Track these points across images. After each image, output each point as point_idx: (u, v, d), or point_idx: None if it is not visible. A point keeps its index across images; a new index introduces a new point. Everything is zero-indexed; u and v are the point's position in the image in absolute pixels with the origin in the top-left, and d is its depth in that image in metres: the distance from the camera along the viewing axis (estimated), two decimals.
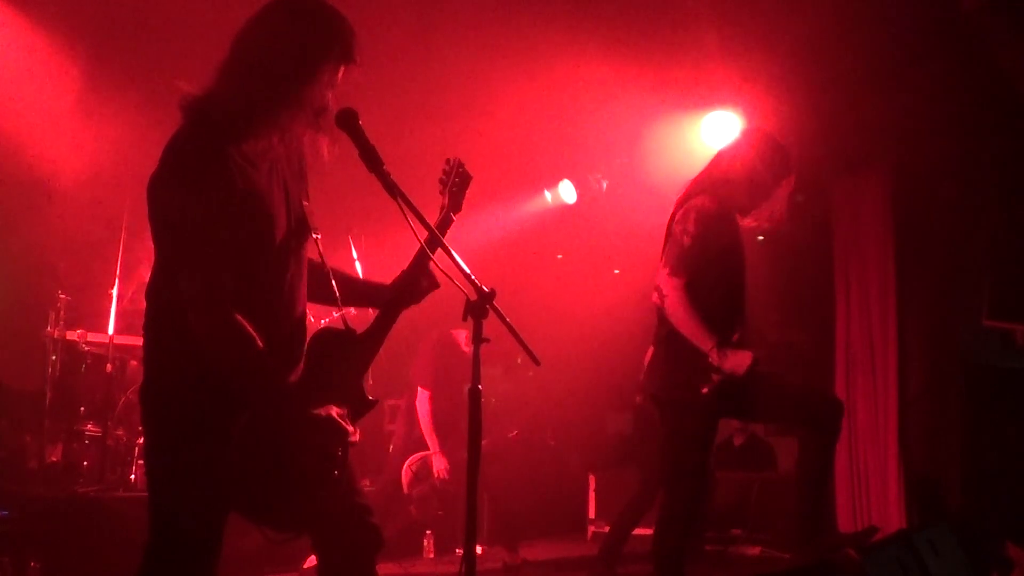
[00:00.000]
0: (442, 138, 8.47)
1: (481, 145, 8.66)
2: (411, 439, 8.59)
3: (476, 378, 3.34)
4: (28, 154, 8.14)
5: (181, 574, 3.33)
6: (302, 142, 3.48)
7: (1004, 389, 8.14)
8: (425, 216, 3.48)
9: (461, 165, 3.91)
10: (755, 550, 8.84)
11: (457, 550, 8.43)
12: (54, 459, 7.89)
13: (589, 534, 10.62)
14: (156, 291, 3.44)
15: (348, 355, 3.58)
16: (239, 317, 3.22)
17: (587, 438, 11.33)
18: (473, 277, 3.39)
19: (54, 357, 8.06)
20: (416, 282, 3.74)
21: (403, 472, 8.44)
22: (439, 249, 3.51)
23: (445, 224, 3.83)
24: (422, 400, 8.37)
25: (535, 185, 10.37)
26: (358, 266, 8.41)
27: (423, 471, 8.41)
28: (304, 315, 3.60)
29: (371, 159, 3.40)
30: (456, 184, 3.88)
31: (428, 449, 8.43)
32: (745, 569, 8.40)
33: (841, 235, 9.55)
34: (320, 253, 3.62)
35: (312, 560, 7.28)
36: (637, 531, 8.20)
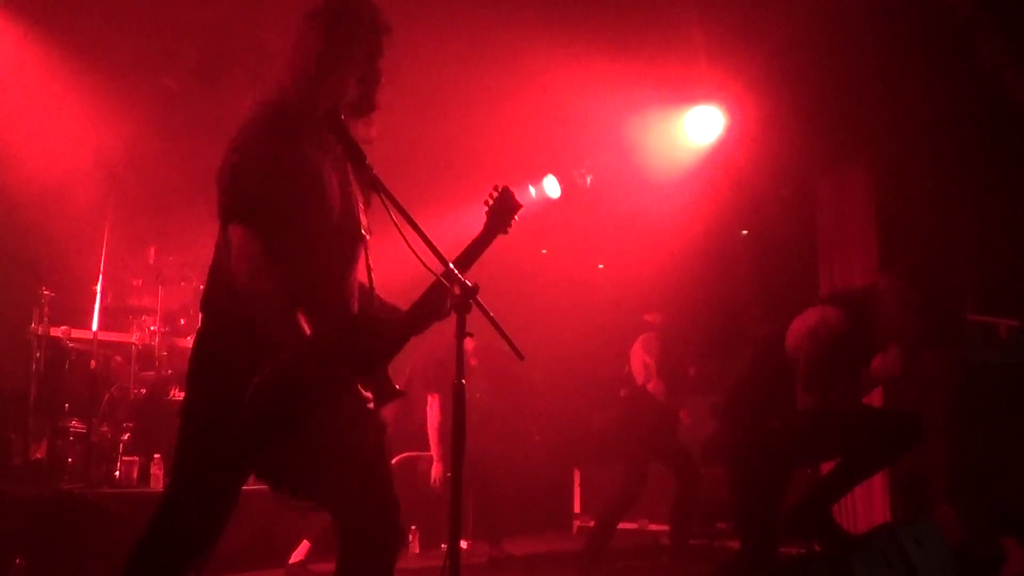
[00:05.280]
0: (426, 134, 8.48)
1: (465, 140, 8.68)
2: (400, 436, 8.54)
3: (460, 374, 3.35)
4: (7, 150, 8.11)
5: (191, 525, 3.45)
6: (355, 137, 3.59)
7: (988, 383, 8.16)
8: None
9: (506, 190, 4.00)
10: None
11: (442, 545, 8.43)
12: (39, 456, 7.86)
13: (574, 529, 10.65)
14: (218, 268, 3.53)
15: (377, 339, 3.64)
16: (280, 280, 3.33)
17: (572, 433, 11.34)
18: (456, 272, 3.41)
19: (38, 354, 8.04)
20: (438, 305, 3.75)
21: None
22: (425, 244, 3.52)
23: (483, 242, 3.92)
24: (434, 408, 8.24)
25: (519, 180, 10.37)
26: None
27: (408, 469, 8.37)
28: (349, 309, 3.66)
29: (354, 155, 3.43)
30: (492, 207, 3.97)
31: (415, 449, 8.38)
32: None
33: (825, 230, 9.58)
34: (367, 256, 3.67)
35: (298, 555, 7.28)
36: (622, 526, 8.22)
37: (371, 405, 3.52)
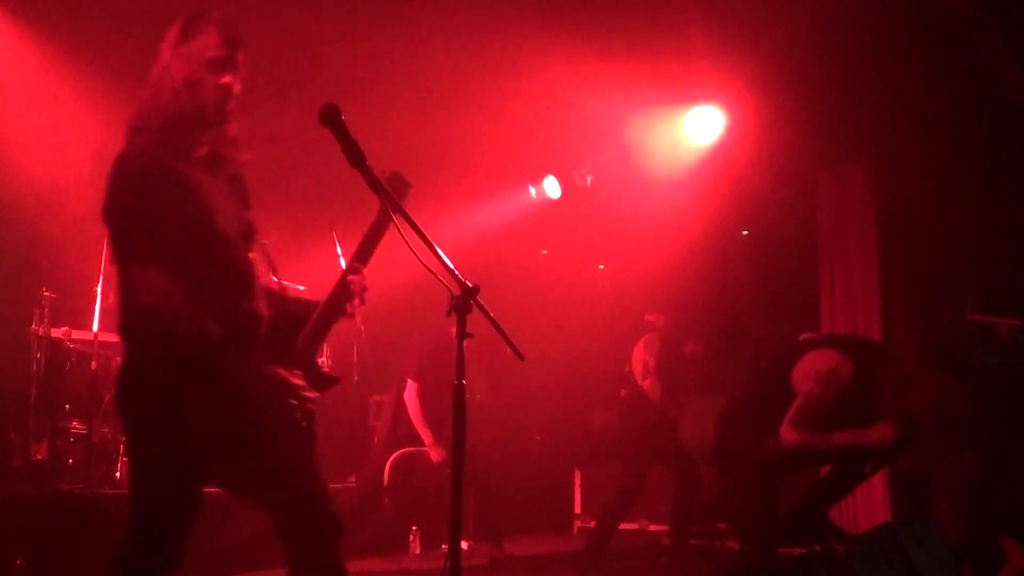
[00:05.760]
0: (426, 134, 8.48)
1: (466, 140, 8.67)
2: (396, 435, 8.53)
3: (460, 374, 3.35)
4: (7, 150, 8.11)
5: (156, 537, 3.52)
6: (225, 145, 3.65)
7: (988, 383, 8.16)
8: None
9: (396, 173, 3.89)
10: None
11: (443, 545, 8.42)
12: (39, 457, 7.86)
13: (575, 529, 10.65)
14: (126, 300, 3.53)
15: (296, 332, 3.69)
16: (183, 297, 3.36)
17: (572, 433, 11.34)
18: (457, 273, 3.41)
19: (39, 355, 8.02)
20: (338, 301, 3.76)
21: (387, 466, 8.38)
22: (425, 245, 3.51)
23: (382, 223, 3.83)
24: (411, 393, 8.26)
25: (519, 181, 10.36)
26: (343, 262, 8.38)
27: (406, 466, 8.37)
28: (257, 311, 3.66)
29: (354, 155, 3.42)
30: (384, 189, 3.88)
31: (414, 445, 8.39)
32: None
33: (825, 230, 9.58)
34: (267, 255, 3.69)
35: None
36: (622, 526, 8.22)
37: (311, 393, 3.55)
